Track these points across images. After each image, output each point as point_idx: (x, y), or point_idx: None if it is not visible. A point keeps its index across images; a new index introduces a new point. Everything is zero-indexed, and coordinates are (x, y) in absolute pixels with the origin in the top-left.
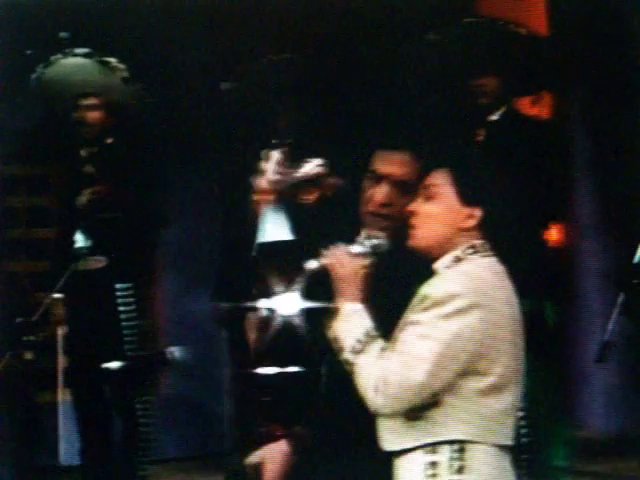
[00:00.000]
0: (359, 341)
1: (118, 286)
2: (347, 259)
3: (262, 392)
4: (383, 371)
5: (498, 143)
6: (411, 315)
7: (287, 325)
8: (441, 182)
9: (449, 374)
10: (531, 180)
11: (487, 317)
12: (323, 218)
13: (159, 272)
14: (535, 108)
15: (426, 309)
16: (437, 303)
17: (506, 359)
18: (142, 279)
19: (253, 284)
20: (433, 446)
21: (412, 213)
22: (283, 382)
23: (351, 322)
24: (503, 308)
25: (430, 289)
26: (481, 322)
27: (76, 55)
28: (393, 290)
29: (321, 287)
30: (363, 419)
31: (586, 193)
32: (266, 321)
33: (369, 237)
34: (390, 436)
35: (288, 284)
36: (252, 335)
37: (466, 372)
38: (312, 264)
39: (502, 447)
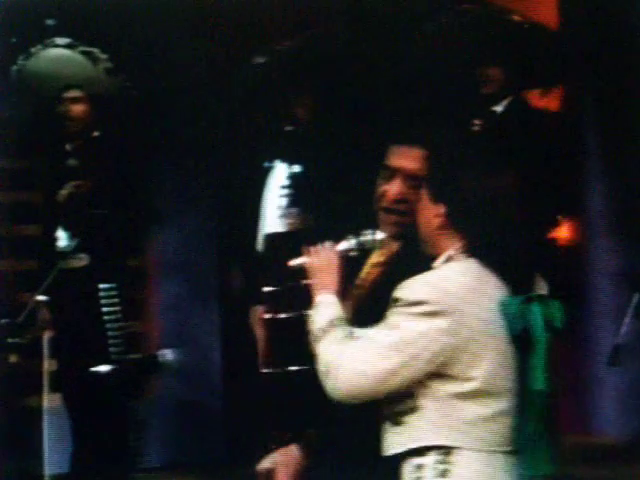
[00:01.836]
0: (320, 329)
1: (101, 286)
2: (324, 252)
3: (272, 394)
4: (339, 356)
5: (501, 134)
6: (385, 314)
7: (294, 322)
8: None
9: (411, 373)
10: (535, 173)
11: (459, 322)
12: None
13: (153, 272)
14: (545, 100)
15: (396, 310)
16: (405, 306)
17: (488, 365)
18: (127, 279)
19: (259, 278)
20: (420, 450)
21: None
22: (292, 383)
23: (318, 312)
24: (483, 314)
25: (401, 292)
26: (450, 327)
27: (57, 46)
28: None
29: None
30: (374, 422)
31: (598, 190)
32: (273, 317)
33: (358, 235)
34: (383, 442)
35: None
36: (259, 332)
37: (440, 375)
38: (295, 261)
39: (492, 452)
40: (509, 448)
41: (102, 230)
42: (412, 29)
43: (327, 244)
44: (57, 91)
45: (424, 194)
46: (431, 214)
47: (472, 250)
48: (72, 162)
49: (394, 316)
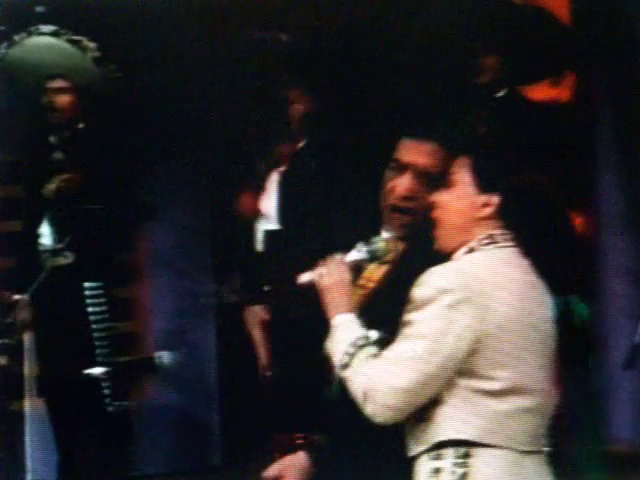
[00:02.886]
0: (346, 353)
1: (86, 285)
2: (333, 267)
3: (275, 398)
4: (370, 377)
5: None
6: (404, 317)
7: (297, 322)
8: (460, 169)
9: (442, 374)
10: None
11: (484, 316)
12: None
13: (143, 270)
14: (555, 90)
15: (415, 308)
16: (425, 301)
17: (516, 363)
18: (114, 277)
19: (258, 277)
20: (438, 451)
21: (433, 204)
22: (296, 387)
23: (338, 336)
24: (509, 310)
25: (418, 287)
26: (475, 320)
27: (43, 34)
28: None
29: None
30: (381, 426)
31: (612, 185)
32: (271, 318)
33: (367, 243)
34: (406, 442)
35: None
36: (257, 334)
37: (465, 372)
38: (304, 278)
39: (515, 452)
40: (534, 448)
41: (91, 226)
42: (411, 15)
43: (336, 256)
44: (40, 81)
45: (463, 184)
46: (478, 204)
47: (518, 240)
48: (58, 155)
49: (414, 317)
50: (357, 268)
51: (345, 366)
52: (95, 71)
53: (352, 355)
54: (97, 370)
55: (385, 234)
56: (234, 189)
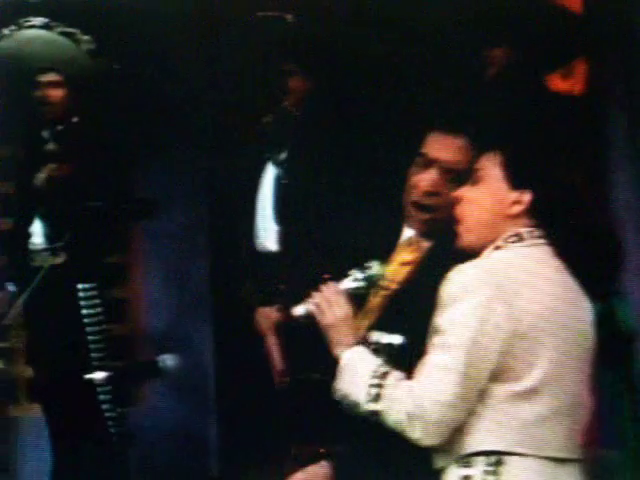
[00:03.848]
0: (373, 385)
1: (80, 286)
2: (334, 302)
3: (292, 407)
4: (411, 400)
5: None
6: (434, 321)
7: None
8: (488, 164)
9: (482, 375)
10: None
11: (513, 314)
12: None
13: (137, 270)
14: (568, 82)
15: (444, 310)
16: (453, 301)
17: (545, 363)
18: (108, 278)
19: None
20: (468, 458)
21: (457, 199)
22: (316, 394)
23: (353, 372)
24: (539, 308)
25: (446, 286)
26: (504, 319)
27: (34, 26)
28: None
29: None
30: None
31: (625, 180)
32: (284, 322)
33: (362, 269)
34: (431, 454)
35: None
36: (270, 337)
37: (496, 375)
38: (299, 310)
39: (549, 461)
40: (568, 455)
41: (85, 224)
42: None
43: (330, 285)
44: (32, 74)
45: (493, 180)
46: (508, 201)
47: (551, 239)
48: (49, 146)
49: (444, 321)
50: (354, 296)
51: (376, 398)
52: (89, 64)
53: (380, 386)
54: (99, 375)
55: (375, 263)
56: (234, 184)
